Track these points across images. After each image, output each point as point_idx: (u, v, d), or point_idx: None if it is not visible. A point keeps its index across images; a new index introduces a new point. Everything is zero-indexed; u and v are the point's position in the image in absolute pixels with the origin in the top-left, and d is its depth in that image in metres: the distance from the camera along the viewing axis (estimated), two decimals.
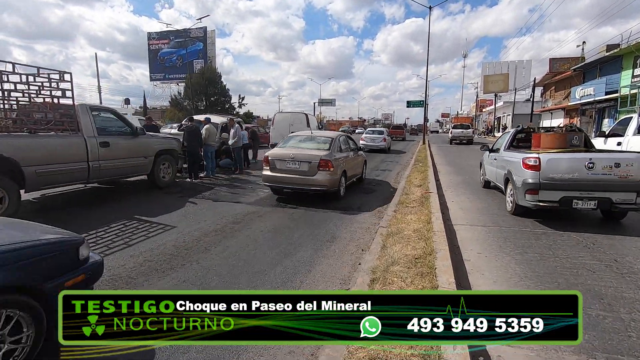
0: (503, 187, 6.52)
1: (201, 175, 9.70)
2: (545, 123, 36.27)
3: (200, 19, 41.26)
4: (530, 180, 5.31)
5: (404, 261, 3.56)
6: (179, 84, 54.64)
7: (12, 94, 5.35)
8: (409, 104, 38.79)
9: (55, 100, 5.93)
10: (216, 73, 49.54)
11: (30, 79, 5.57)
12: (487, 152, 8.12)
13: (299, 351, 2.44)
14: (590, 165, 5.06)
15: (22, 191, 5.31)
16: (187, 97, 47.00)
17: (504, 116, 49.52)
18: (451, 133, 29.48)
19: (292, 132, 15.89)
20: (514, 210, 5.88)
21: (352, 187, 8.56)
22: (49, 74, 5.69)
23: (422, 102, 36.30)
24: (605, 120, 24.24)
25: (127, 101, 59.57)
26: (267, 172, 7.20)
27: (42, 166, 5.38)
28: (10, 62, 5.12)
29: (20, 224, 2.60)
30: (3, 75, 5.04)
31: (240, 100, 54.39)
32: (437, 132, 76.56)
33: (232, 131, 10.60)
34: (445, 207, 6.57)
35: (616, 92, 21.46)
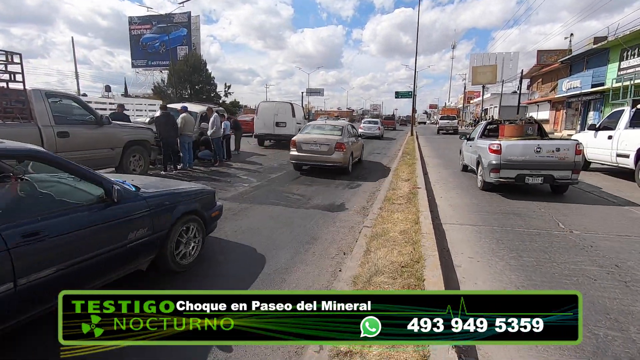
0: (475, 169, 7.91)
1: (177, 167, 9.14)
2: (532, 115, 36.49)
3: (182, 2, 39.51)
4: (493, 162, 6.65)
5: (389, 270, 3.17)
6: (162, 72, 52.92)
7: None
8: (398, 94, 38.51)
9: (3, 85, 5.26)
10: (201, 60, 48.06)
11: None
12: (465, 140, 9.45)
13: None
14: (538, 149, 6.47)
15: None
16: (171, 84, 45.60)
17: (491, 108, 49.72)
18: (438, 124, 33.70)
19: (276, 122, 15.47)
20: (483, 186, 7.20)
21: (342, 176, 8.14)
22: None
23: (410, 93, 36.02)
24: (591, 113, 24.39)
25: (107, 88, 57.41)
26: (294, 152, 9.25)
27: None
28: None
29: (178, 182, 4.21)
30: None
31: (226, 89, 53.05)
32: (425, 123, 77.33)
33: (210, 121, 10.01)
34: (434, 203, 6.23)
35: (602, 84, 21.49)
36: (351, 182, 8.41)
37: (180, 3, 37.99)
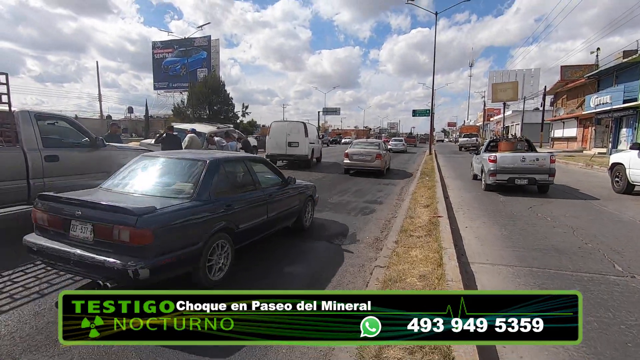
0: (480, 175, 10.19)
1: None
2: (557, 132, 35.00)
3: (201, 26, 40.95)
4: (491, 168, 9.02)
5: None
6: (182, 93, 54.35)
7: None
8: (415, 113, 37.78)
9: None
10: (219, 82, 49.10)
11: None
12: (475, 155, 11.83)
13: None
14: (523, 159, 8.90)
15: None
16: (190, 105, 46.60)
17: (512, 125, 48.25)
18: (459, 142, 37.78)
19: (289, 142, 15.02)
20: (485, 188, 9.59)
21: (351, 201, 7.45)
22: None
23: (428, 111, 35.27)
24: (624, 130, 22.92)
25: (130, 110, 59.65)
26: (347, 161, 13.39)
27: None
28: None
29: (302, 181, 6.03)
30: None
31: (243, 109, 53.80)
32: (442, 141, 77.61)
33: (215, 140, 9.60)
34: (458, 235, 5.44)
35: (635, 99, 20.19)
36: (381, 184, 7.71)
37: (199, 27, 39.13)
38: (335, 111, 73.12)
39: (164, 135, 8.37)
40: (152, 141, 9.39)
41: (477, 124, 68.83)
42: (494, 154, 9.17)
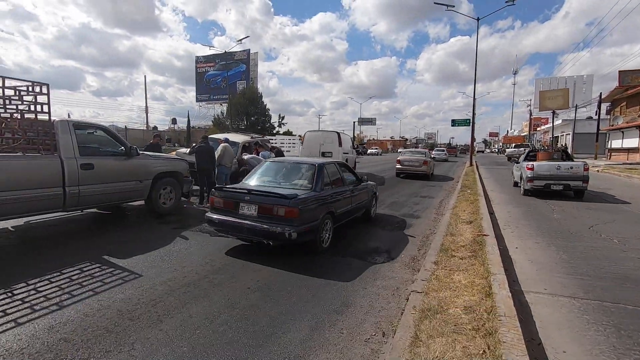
0: (519, 182, 11.28)
1: None
2: (615, 143, 32.10)
3: (240, 40, 42.33)
4: (529, 175, 10.15)
5: None
6: (222, 104, 56.36)
7: None
8: (454, 122, 36.33)
9: (31, 116, 5.12)
10: (257, 93, 50.44)
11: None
12: (515, 163, 13.55)
13: None
14: (558, 167, 9.98)
15: None
16: (229, 116, 48.17)
17: (562, 135, 44.99)
18: (506, 152, 38.57)
19: (322, 152, 14.78)
20: (524, 193, 10.63)
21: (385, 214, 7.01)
22: (16, 87, 4.90)
23: (468, 121, 33.78)
24: None
25: (174, 121, 62.67)
26: (398, 166, 16.31)
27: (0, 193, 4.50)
28: None
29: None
30: None
31: (280, 120, 54.82)
32: (483, 152, 76.15)
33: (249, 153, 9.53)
34: (508, 257, 4.82)
35: None
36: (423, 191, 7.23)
37: (238, 41, 40.52)
38: (370, 121, 72.33)
39: (199, 145, 8.42)
40: (187, 151, 9.51)
41: (522, 134, 65.09)
42: (531, 163, 10.47)
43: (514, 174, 12.69)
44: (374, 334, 2.96)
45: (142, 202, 7.05)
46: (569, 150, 36.52)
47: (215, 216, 4.92)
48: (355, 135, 70.20)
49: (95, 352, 2.57)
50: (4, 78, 4.72)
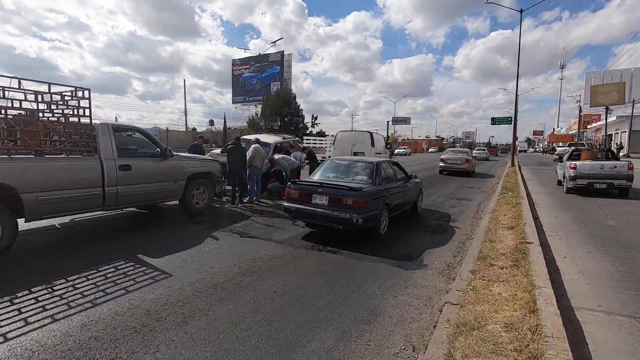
0: (562, 180, 11.68)
1: (244, 200, 8.76)
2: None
3: (274, 42, 43.24)
4: (572, 174, 10.57)
5: None
6: (257, 106, 57.52)
7: (13, 112, 4.86)
8: (494, 121, 34.62)
9: (74, 119, 5.39)
10: (291, 94, 50.96)
11: (47, 97, 5.11)
12: (559, 162, 13.25)
13: None
14: (601, 167, 10.33)
15: (22, 220, 4.75)
16: (264, 117, 49.09)
17: (616, 133, 41.44)
18: (557, 151, 36.71)
19: (354, 152, 14.56)
20: (566, 191, 11.01)
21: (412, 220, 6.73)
22: (61, 93, 5.17)
23: (509, 119, 32.05)
24: None
25: (211, 122, 64.95)
26: (442, 164, 17.76)
27: (45, 192, 4.77)
28: (15, 78, 4.65)
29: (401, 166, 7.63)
30: (4, 92, 4.55)
31: (313, 120, 55.10)
32: (526, 151, 72.97)
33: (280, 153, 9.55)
34: (555, 268, 4.41)
35: None
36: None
37: (272, 43, 41.31)
38: (405, 120, 70.74)
39: (231, 146, 8.55)
40: (219, 151, 9.71)
41: (570, 132, 60.77)
42: (574, 162, 10.83)
43: (558, 173, 13.19)
44: (403, 348, 2.77)
45: (176, 202, 7.25)
46: (625, 150, 33.56)
47: (291, 205, 5.86)
48: (389, 134, 68.99)
49: (122, 353, 2.60)
50: (49, 84, 5.00)
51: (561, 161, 12.85)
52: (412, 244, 5.61)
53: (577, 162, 10.70)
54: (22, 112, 4.86)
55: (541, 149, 73.32)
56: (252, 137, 10.44)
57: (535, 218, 7.24)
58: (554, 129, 72.16)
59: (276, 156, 9.74)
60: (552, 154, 28.46)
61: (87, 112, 5.40)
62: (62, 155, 5.09)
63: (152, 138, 6.49)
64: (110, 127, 5.71)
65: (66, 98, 5.35)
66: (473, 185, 14.03)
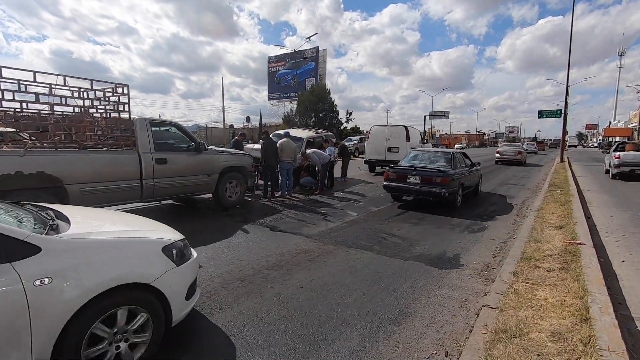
0: (609, 168, 13.74)
1: (276, 194, 8.80)
2: None
3: (309, 37, 43.65)
4: (616, 163, 12.78)
5: None
6: (292, 102, 58.04)
7: (60, 107, 5.15)
8: (542, 114, 32.56)
9: (114, 115, 5.63)
10: (325, 90, 50.83)
11: (91, 94, 5.38)
12: (607, 153, 16.21)
13: None
14: None
15: None
16: (299, 113, 49.44)
17: None
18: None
19: (388, 147, 14.20)
20: (611, 177, 13.23)
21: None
22: (104, 90, 5.41)
23: (558, 112, 29.94)
24: None
25: (247, 119, 66.13)
26: (497, 155, 20.88)
27: (88, 184, 5.02)
28: (61, 75, 4.92)
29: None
30: (52, 89, 4.83)
31: (347, 116, 54.62)
32: (575, 146, 70.34)
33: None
34: (611, 272, 3.97)
35: None
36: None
37: (307, 39, 41.48)
38: (443, 115, 68.22)
39: (262, 141, 8.62)
40: (253, 146, 9.85)
41: (630, 126, 55.52)
42: (619, 153, 13.14)
43: (605, 162, 15.54)
44: (435, 352, 2.58)
45: (210, 195, 7.41)
46: None
47: (390, 184, 7.81)
48: (427, 130, 66.92)
49: None
50: (92, 81, 5.25)
51: (608, 152, 15.60)
52: (449, 242, 5.30)
53: (622, 153, 13.07)
54: (71, 110, 5.14)
55: (595, 144, 67.76)
56: (282, 131, 10.48)
57: (588, 217, 6.63)
58: (610, 122, 66.28)
59: (308, 150, 9.69)
60: (608, 152, 24.87)
61: (126, 108, 5.62)
62: (104, 149, 5.33)
63: (187, 132, 6.65)
64: (148, 122, 5.91)
65: (107, 94, 5.59)
66: (516, 181, 13.19)
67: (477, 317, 2.96)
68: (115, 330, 2.12)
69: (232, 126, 60.93)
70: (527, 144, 40.65)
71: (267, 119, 61.15)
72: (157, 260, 2.34)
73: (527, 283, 3.41)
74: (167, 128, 6.56)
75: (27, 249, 1.82)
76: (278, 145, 8.67)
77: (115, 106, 5.62)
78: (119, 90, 5.57)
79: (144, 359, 2.28)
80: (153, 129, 5.99)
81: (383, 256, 4.64)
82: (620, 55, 63.28)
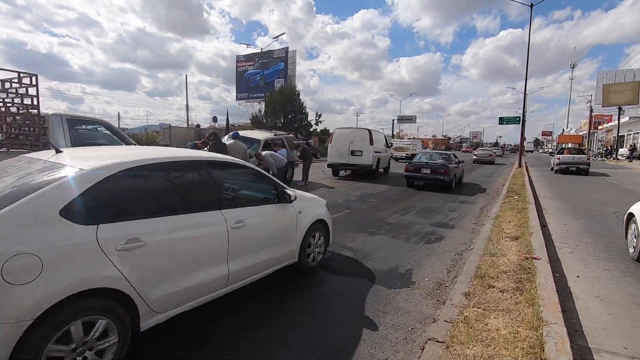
0: (553, 166, 19.67)
1: None
2: None
3: (277, 37, 42.87)
4: (557, 162, 19.04)
5: None
6: (261, 103, 56.89)
7: None
8: (502, 120, 33.68)
9: (15, 109, 4.79)
10: (295, 91, 50.24)
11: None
12: (552, 155, 26.22)
13: None
14: (573, 158, 18.51)
15: None
16: (267, 114, 48.47)
17: (629, 134, 40.11)
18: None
19: (352, 150, 13.87)
20: (554, 172, 19.33)
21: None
22: (5, 81, 4.58)
23: (517, 119, 31.08)
24: None
25: (214, 119, 64.07)
26: (475, 157, 30.42)
27: None
28: None
29: None
30: None
31: (317, 118, 54.27)
32: (532, 151, 79.09)
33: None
34: (566, 290, 3.71)
35: None
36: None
37: (274, 38, 40.87)
38: (410, 119, 69.77)
39: (211, 142, 7.97)
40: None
41: (581, 133, 59.26)
42: (559, 155, 19.05)
43: (551, 162, 21.26)
44: None
45: None
46: (638, 150, 32.31)
47: (409, 174, 11.77)
48: (395, 133, 67.94)
49: None
50: None
51: (553, 155, 23.22)
52: (401, 255, 4.90)
53: (561, 156, 18.92)
54: None
55: (550, 150, 71.83)
56: (251, 133, 9.85)
57: (543, 226, 6.51)
58: (563, 129, 70.51)
59: (263, 152, 9.11)
60: (553, 155, 31.04)
61: (34, 101, 4.81)
62: (2, 149, 4.49)
63: (117, 132, 5.88)
64: (65, 120, 5.10)
65: (13, 85, 4.76)
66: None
67: (422, 352, 2.53)
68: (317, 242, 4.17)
69: (198, 126, 58.75)
70: (494, 149, 49.88)
71: (236, 120, 59.57)
72: (322, 206, 4.36)
73: (479, 308, 3.03)
74: (93, 127, 5.76)
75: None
76: (227, 147, 8.03)
77: (22, 99, 4.79)
78: (26, 80, 4.74)
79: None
80: (74, 127, 5.19)
81: (333, 274, 4.16)
82: (572, 68, 67.61)
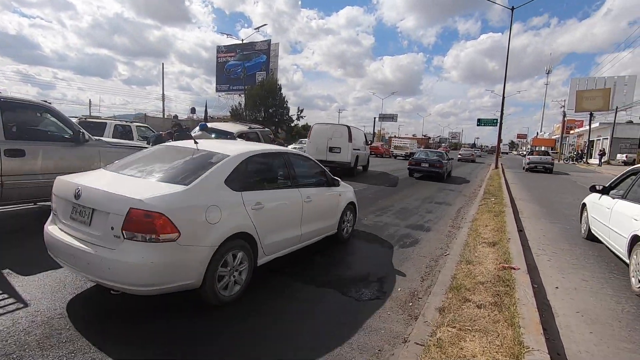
0: (525, 165, 23.85)
1: None
2: None
3: (258, 28, 42.67)
4: (527, 162, 23.56)
5: None
6: (241, 95, 55.63)
7: None
8: (480, 122, 34.20)
9: None
10: (276, 85, 49.36)
11: None
12: (523, 156, 33.01)
13: None
14: (540, 159, 23.10)
15: None
16: (247, 107, 47.41)
17: (598, 140, 41.70)
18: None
19: (330, 147, 13.50)
20: (525, 170, 23.23)
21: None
22: None
23: (495, 121, 31.59)
24: None
25: (192, 110, 62.48)
26: (459, 156, 35.75)
27: None
28: None
29: None
30: None
31: (298, 113, 53.61)
32: (507, 153, 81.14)
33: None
34: (546, 306, 3.46)
35: None
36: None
37: (256, 29, 40.00)
38: (392, 118, 70.20)
39: (176, 133, 7.39)
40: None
41: (553, 137, 61.29)
42: (529, 156, 23.40)
43: (523, 162, 24.56)
44: None
45: None
46: (607, 155, 33.63)
47: (412, 167, 15.06)
48: (376, 132, 68.14)
49: None
50: None
51: (524, 156, 27.65)
52: (372, 262, 4.56)
53: (530, 156, 23.13)
54: None
55: (524, 152, 74.14)
56: (223, 125, 9.28)
57: (520, 230, 6.35)
58: (537, 133, 72.86)
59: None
60: (524, 156, 34.23)
61: None
62: None
63: (63, 118, 5.25)
64: None
65: None
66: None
67: None
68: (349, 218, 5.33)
69: (176, 116, 56.79)
70: (475, 149, 54.26)
71: (215, 112, 58.05)
72: (352, 192, 5.52)
73: (454, 327, 2.71)
74: (34, 111, 5.10)
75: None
76: (194, 138, 7.48)
77: None
78: None
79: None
80: (7, 110, 4.54)
81: (296, 282, 3.76)
82: (547, 74, 69.69)
